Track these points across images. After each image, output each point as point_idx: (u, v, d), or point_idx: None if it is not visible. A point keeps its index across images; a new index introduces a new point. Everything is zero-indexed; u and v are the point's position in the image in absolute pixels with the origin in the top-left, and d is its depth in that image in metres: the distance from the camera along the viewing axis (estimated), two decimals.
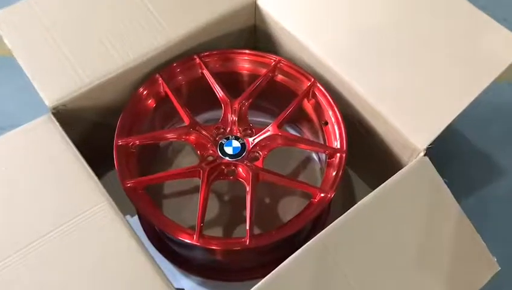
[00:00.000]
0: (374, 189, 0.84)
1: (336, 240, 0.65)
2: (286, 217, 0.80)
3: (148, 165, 0.80)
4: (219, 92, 0.76)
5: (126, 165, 0.68)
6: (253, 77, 0.78)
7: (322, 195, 0.66)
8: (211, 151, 0.72)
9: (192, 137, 0.73)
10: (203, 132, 0.73)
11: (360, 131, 0.74)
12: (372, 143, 0.74)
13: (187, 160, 0.87)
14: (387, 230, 0.61)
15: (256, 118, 0.81)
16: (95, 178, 0.71)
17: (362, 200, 0.68)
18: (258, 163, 0.72)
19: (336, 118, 0.74)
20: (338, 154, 0.70)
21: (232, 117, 0.75)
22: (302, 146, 0.74)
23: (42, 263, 0.63)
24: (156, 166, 0.84)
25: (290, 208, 0.82)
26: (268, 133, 0.74)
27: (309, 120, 0.78)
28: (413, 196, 0.68)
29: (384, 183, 0.63)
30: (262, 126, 0.73)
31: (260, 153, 0.73)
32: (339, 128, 0.73)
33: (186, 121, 0.73)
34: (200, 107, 0.82)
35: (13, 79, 1.02)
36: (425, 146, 0.67)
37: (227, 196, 0.83)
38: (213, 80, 0.77)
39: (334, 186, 0.67)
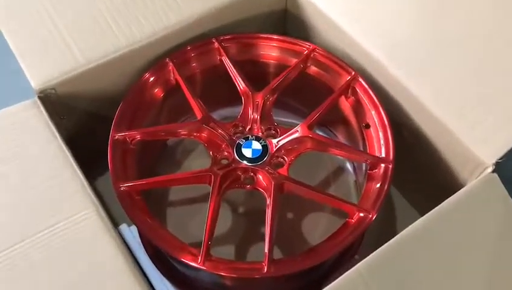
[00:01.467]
0: (418, 209, 0.70)
1: (379, 275, 0.50)
2: (312, 237, 0.70)
3: (150, 166, 0.67)
4: (240, 84, 0.66)
5: (122, 164, 0.59)
6: (281, 67, 0.68)
7: (362, 215, 0.53)
8: (226, 153, 0.62)
9: (204, 134, 0.63)
10: (218, 130, 0.63)
11: (405, 138, 0.65)
12: (421, 153, 0.63)
13: (198, 162, 0.75)
14: (445, 264, 0.47)
15: (280, 117, 0.69)
16: (83, 179, 0.58)
17: (414, 224, 0.54)
18: (282, 170, 0.61)
19: (381, 121, 0.63)
20: (383, 165, 0.60)
21: (254, 114, 0.65)
22: (338, 152, 0.63)
23: (5, 281, 0.50)
24: (159, 168, 0.71)
25: (316, 226, 0.71)
26: (296, 135, 0.63)
27: (346, 122, 0.69)
28: (479, 221, 0.53)
29: (440, 205, 0.50)
30: (288, 127, 0.63)
31: (285, 158, 0.63)
32: (384, 133, 0.60)
33: (198, 115, 0.63)
34: (216, 101, 0.71)
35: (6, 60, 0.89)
36: (494, 160, 0.56)
37: (243, 207, 0.72)
38: (233, 69, 0.66)
39: (377, 204, 0.53)
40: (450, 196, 0.52)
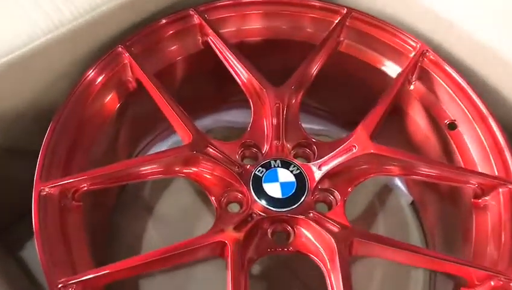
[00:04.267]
0: None
1: None
2: None
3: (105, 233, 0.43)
4: (242, 75, 0.45)
5: (60, 243, 0.36)
6: (301, 46, 0.48)
7: (500, 282, 0.36)
8: (238, 195, 0.42)
9: (199, 168, 0.42)
10: (220, 157, 0.42)
11: None
12: None
13: (187, 207, 0.52)
14: None
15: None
16: None
17: None
18: (336, 215, 0.41)
19: (480, 116, 0.43)
20: (502, 189, 0.40)
21: (272, 122, 0.44)
22: (428, 176, 0.42)
23: None
24: (120, 233, 0.52)
25: (370, 279, 0.50)
26: (351, 153, 0.42)
27: (409, 122, 0.48)
28: None
29: None
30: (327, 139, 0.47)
31: (336, 193, 0.43)
32: (490, 135, 0.42)
33: (184, 135, 0.42)
34: (200, 106, 0.52)
35: None
36: None
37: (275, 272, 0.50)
38: (229, 53, 0.45)
39: None
40: None
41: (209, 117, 0.55)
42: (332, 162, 0.42)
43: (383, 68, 0.47)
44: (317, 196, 0.42)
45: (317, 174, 0.42)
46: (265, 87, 0.44)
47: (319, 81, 0.46)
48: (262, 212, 0.40)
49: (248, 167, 0.42)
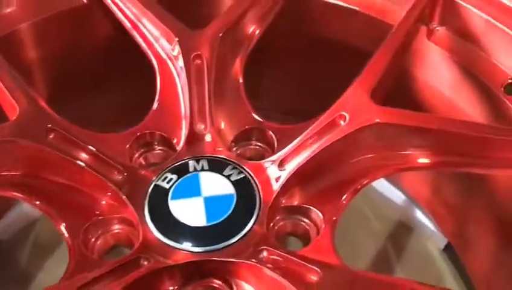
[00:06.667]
0: None
1: None
2: None
3: None
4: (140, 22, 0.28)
5: None
6: None
7: None
8: (115, 228, 0.23)
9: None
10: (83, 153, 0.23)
11: None
12: None
13: None
14: None
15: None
16: None
17: None
18: (319, 251, 0.21)
19: None
20: None
21: (191, 92, 0.25)
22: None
23: None
24: None
25: None
26: (341, 128, 0.22)
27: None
28: None
29: None
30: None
31: (316, 213, 0.22)
32: None
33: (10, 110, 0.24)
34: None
35: None
36: None
37: None
38: None
39: None
40: None
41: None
42: (304, 152, 0.22)
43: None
44: (280, 220, 0.22)
45: (278, 179, 0.22)
46: (176, 31, 0.24)
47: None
48: (164, 256, 0.20)
49: (143, 173, 0.22)
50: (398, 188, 0.41)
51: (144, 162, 0.26)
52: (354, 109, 0.23)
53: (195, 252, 0.21)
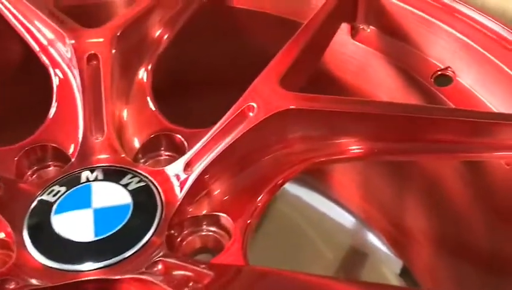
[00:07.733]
0: None
1: None
2: None
3: None
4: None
5: None
6: None
7: None
8: None
9: None
10: None
11: None
12: None
13: None
14: None
15: None
16: None
17: None
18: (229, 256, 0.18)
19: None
20: None
21: (86, 97, 0.22)
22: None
23: None
24: None
25: None
26: (249, 119, 0.19)
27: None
28: None
29: None
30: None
31: (227, 219, 0.19)
32: None
33: None
34: None
35: None
36: None
37: None
38: None
39: None
40: None
41: None
42: (211, 151, 0.19)
43: None
44: (188, 235, 0.19)
45: (183, 185, 0.19)
46: (70, 31, 0.22)
47: None
48: (38, 277, 0.17)
49: (27, 187, 0.19)
50: (349, 211, 0.38)
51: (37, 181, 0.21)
52: (262, 97, 0.20)
53: (74, 270, 0.17)
